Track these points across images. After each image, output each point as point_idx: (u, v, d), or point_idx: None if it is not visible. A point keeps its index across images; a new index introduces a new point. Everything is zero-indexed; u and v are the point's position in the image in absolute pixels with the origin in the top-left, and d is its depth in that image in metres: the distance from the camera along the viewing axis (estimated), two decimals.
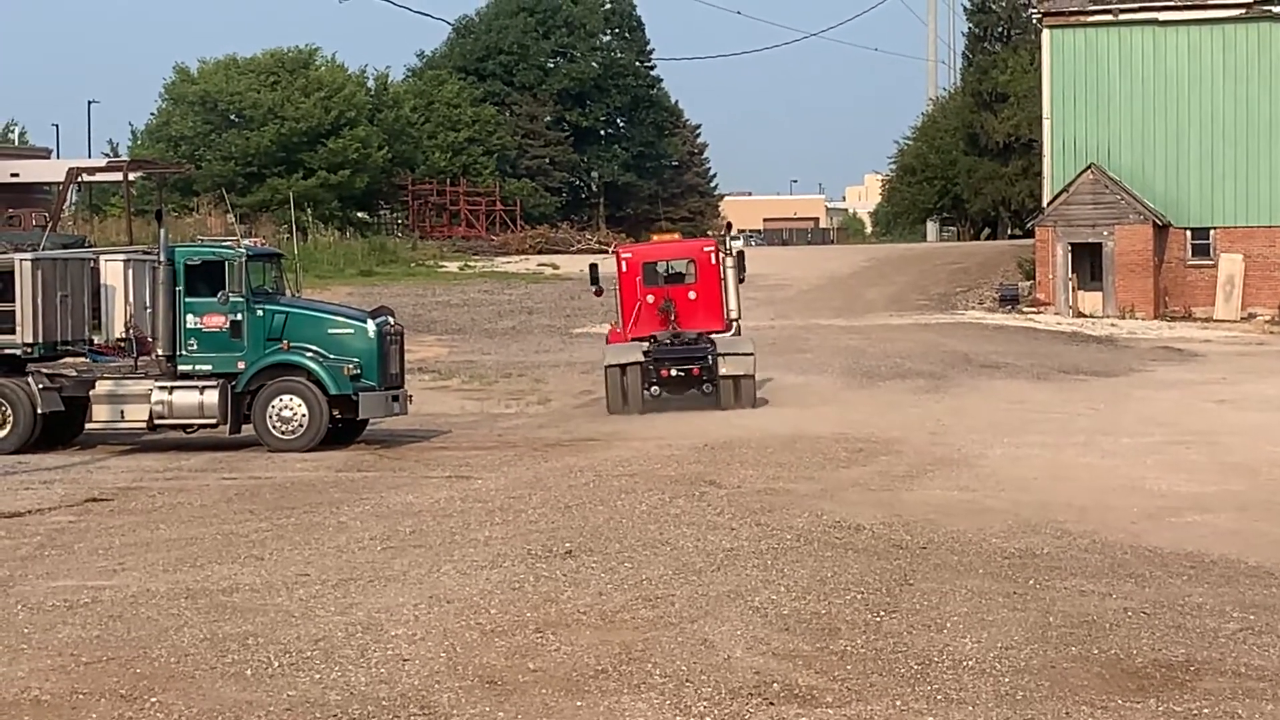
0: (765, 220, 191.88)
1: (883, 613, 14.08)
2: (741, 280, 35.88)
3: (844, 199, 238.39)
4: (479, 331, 51.58)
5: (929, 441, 26.65)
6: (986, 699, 11.51)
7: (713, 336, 34.21)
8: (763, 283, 71.09)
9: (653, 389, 32.69)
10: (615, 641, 13.17)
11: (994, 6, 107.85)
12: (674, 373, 33.08)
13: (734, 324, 35.34)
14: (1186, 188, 60.65)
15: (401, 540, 17.83)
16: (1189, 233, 60.79)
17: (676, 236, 42.13)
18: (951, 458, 24.65)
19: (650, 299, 35.12)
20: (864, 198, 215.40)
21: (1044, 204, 61.78)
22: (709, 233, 41.55)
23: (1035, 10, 63.94)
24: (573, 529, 18.26)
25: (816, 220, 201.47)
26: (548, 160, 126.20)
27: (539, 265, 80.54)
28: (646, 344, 33.40)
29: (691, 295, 35.40)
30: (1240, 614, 13.95)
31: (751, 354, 33.49)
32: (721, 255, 36.11)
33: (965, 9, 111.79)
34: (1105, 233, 58.77)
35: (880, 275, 75.94)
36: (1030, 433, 27.88)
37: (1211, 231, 60.75)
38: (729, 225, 42.58)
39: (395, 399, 28.40)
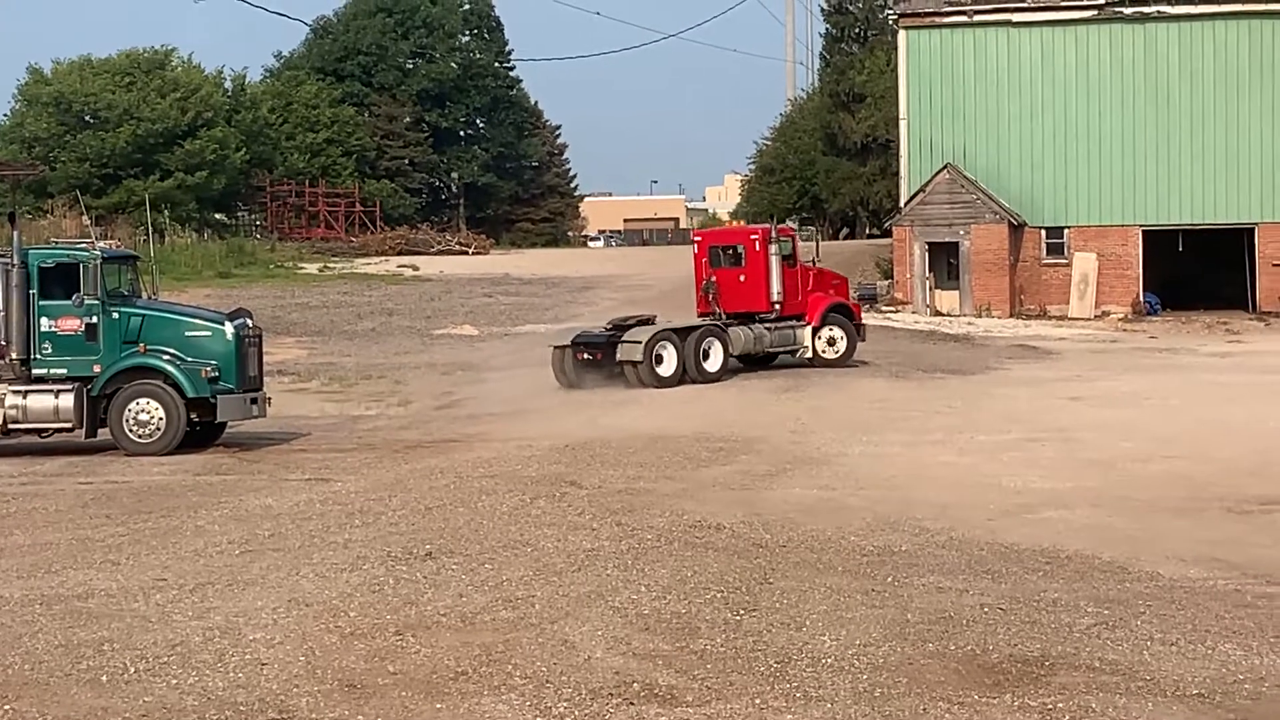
0: (626, 221, 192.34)
1: (742, 611, 14.12)
2: (793, 266, 41.14)
3: (704, 199, 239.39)
4: (339, 333, 51.28)
5: (789, 440, 26.77)
6: (845, 696, 11.58)
7: (633, 324, 38.51)
8: (624, 283, 71.34)
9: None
10: (475, 643, 13.14)
11: (851, 8, 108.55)
12: (585, 356, 37.61)
13: (777, 306, 40.39)
14: (1041, 187, 61.47)
15: (260, 544, 17.69)
16: (1044, 232, 61.63)
17: (741, 224, 44.45)
18: (811, 456, 24.77)
19: (714, 279, 40.71)
20: (724, 198, 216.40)
21: (901, 204, 62.30)
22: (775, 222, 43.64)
23: (891, 11, 64.52)
24: (433, 531, 18.19)
25: (677, 220, 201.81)
26: (407, 161, 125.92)
27: (399, 266, 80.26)
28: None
29: (741, 279, 40.70)
30: (1094, 609, 14.12)
31: (639, 342, 36.88)
32: (769, 243, 40.51)
33: (822, 10, 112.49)
34: (962, 232, 59.37)
35: None
36: (889, 431, 28.10)
37: (1066, 230, 61.62)
38: (773, 219, 47.34)
39: (254, 401, 28.17)
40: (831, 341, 41.27)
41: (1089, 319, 59.33)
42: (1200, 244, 61.88)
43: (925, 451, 25.51)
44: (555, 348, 38.33)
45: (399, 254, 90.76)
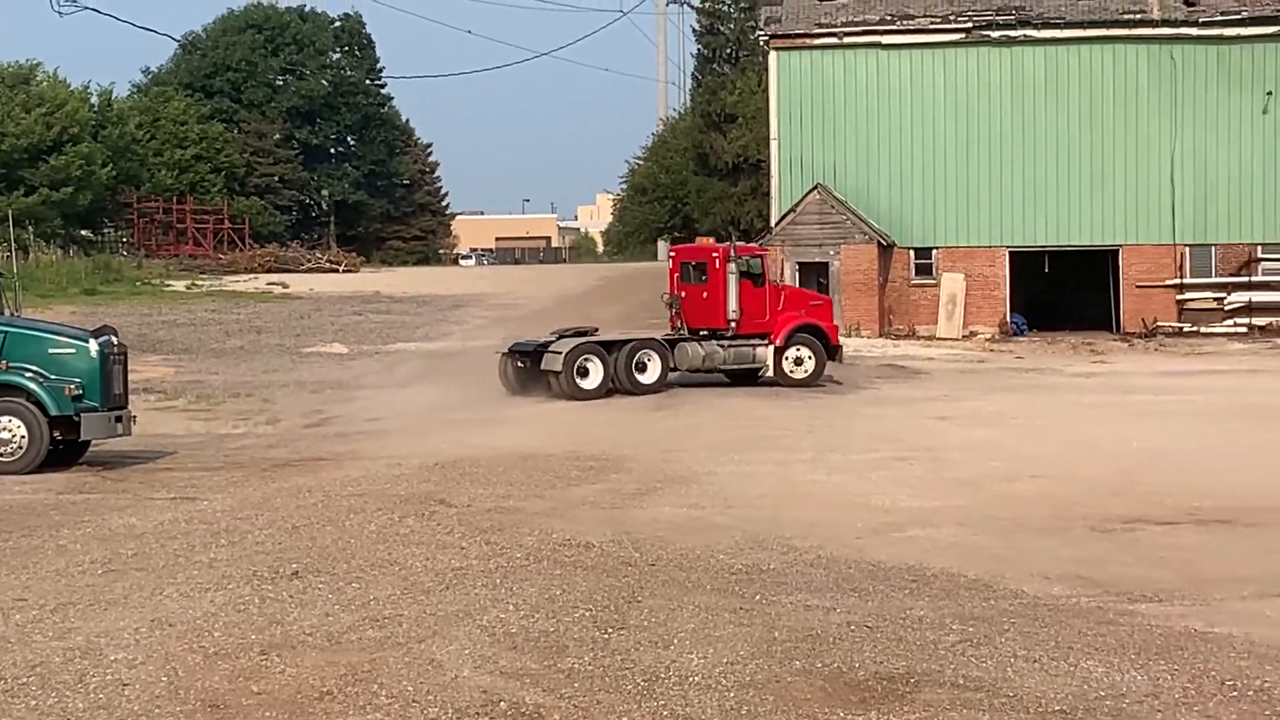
0: (498, 239, 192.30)
1: (610, 629, 14.10)
2: (759, 285, 42.14)
3: (576, 218, 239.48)
4: (206, 351, 50.85)
5: (659, 459, 26.79)
6: (712, 714, 11.58)
7: (569, 335, 40.06)
8: (494, 301, 71.24)
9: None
10: (341, 663, 13.04)
11: (722, 29, 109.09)
12: (518, 364, 39.45)
13: (733, 323, 41.23)
14: (910, 208, 62.00)
15: (123, 563, 17.47)
16: (912, 252, 62.15)
17: (711, 241, 45.55)
18: (681, 475, 24.79)
19: (683, 294, 42.42)
20: (596, 217, 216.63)
21: (772, 224, 62.58)
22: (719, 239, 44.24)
23: (762, 33, 64.75)
24: (300, 550, 18.04)
25: (549, 239, 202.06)
26: (277, 178, 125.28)
27: (268, 284, 79.81)
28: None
29: (704, 295, 41.97)
30: (959, 626, 14.21)
31: (560, 354, 38.39)
32: (726, 261, 41.54)
33: (694, 31, 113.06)
34: (832, 252, 59.71)
35: (612, 294, 76.16)
36: (759, 450, 28.19)
37: (934, 251, 62.19)
38: (730, 236, 46.90)
39: (119, 420, 27.81)
40: (799, 361, 41.82)
41: (957, 339, 59.87)
42: (1066, 265, 62.64)
43: (795, 470, 25.60)
44: (500, 355, 40.19)
45: (268, 271, 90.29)
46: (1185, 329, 61.00)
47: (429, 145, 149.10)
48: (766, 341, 41.59)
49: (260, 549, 18.20)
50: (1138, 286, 61.82)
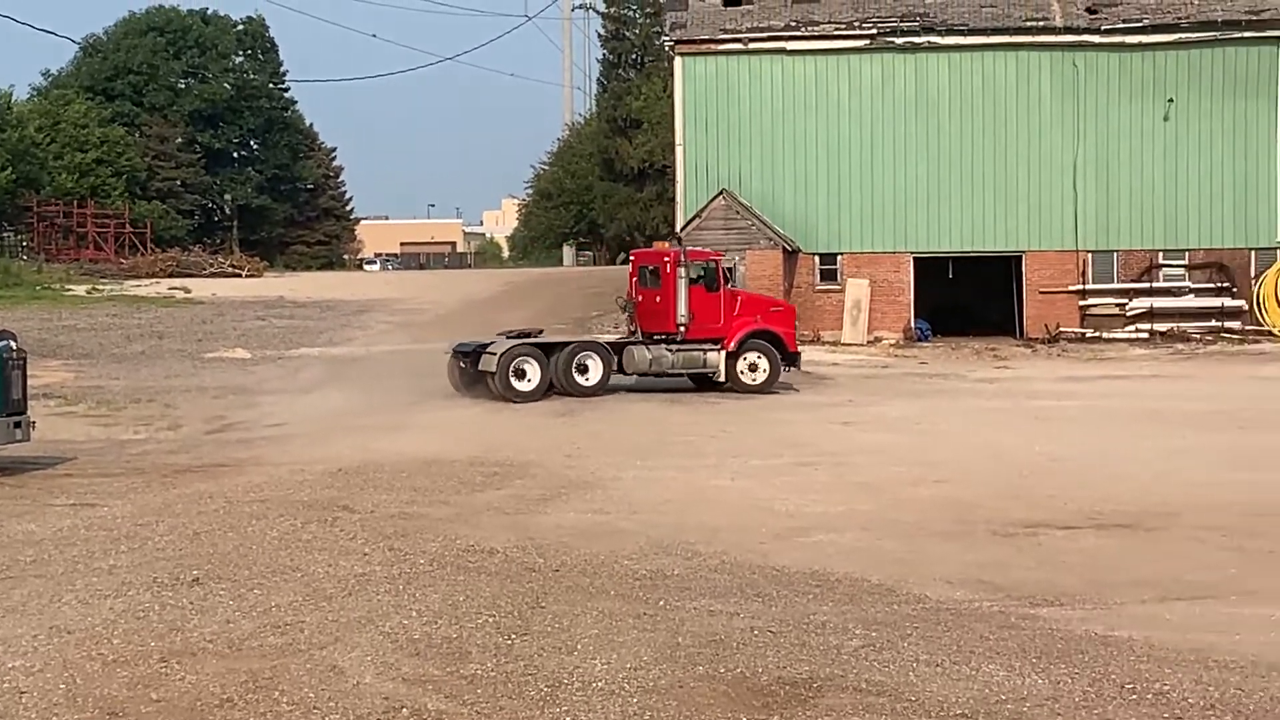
0: (403, 244, 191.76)
1: (514, 635, 14.07)
2: (713, 290, 42.23)
3: (481, 223, 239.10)
4: (107, 356, 50.41)
5: (564, 465, 26.74)
6: None
7: (513, 336, 40.70)
8: (399, 307, 71.02)
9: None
10: (242, 670, 12.95)
11: (628, 34, 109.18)
12: (461, 365, 40.14)
13: (681, 327, 41.40)
14: (815, 214, 62.19)
15: (21, 570, 17.29)
16: (817, 258, 62.34)
17: (666, 245, 45.77)
18: (586, 480, 24.75)
19: (639, 299, 43.08)
20: (501, 222, 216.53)
21: (677, 229, 62.57)
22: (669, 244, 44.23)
23: (667, 38, 64.81)
24: (201, 556, 17.90)
25: (454, 244, 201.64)
26: (179, 182, 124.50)
27: (170, 289, 79.28)
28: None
29: (657, 299, 42.30)
30: (863, 631, 14.25)
31: (496, 354, 38.90)
32: (676, 266, 41.74)
33: (600, 36, 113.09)
34: (737, 257, 59.67)
35: (517, 299, 76.17)
36: (664, 455, 28.19)
37: (839, 257, 62.38)
38: (678, 239, 47.30)
39: (17, 425, 27.48)
40: (753, 367, 41.81)
41: (862, 345, 60.10)
42: (970, 271, 63.00)
43: (699, 475, 25.60)
44: (449, 356, 40.96)
45: (170, 276, 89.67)
46: (1088, 334, 61.48)
47: (333, 149, 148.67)
48: (719, 347, 41.67)
49: (161, 555, 18.05)
50: (1041, 292, 62.26)
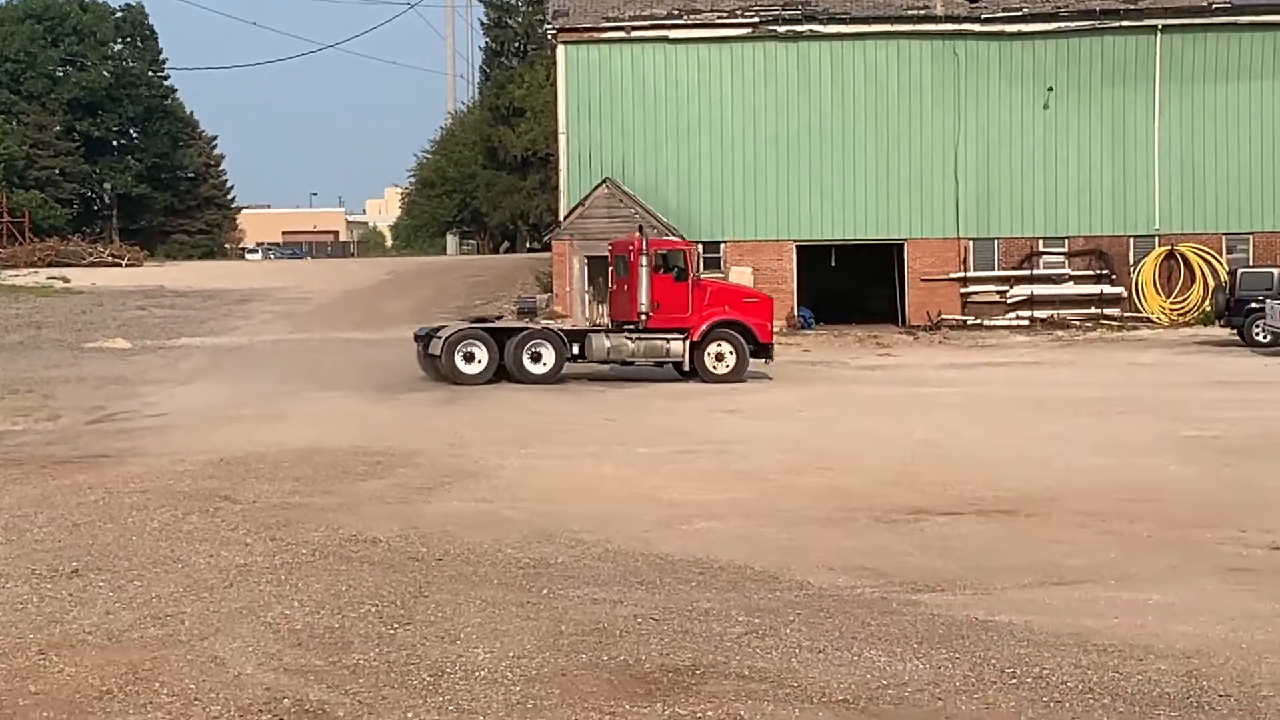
0: (285, 233, 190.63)
1: (397, 625, 14.02)
2: (680, 280, 42.34)
3: (364, 212, 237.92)
4: None
5: (448, 454, 26.65)
6: (498, 708, 11.55)
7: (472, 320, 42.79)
8: (281, 296, 70.62)
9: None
10: (122, 661, 12.84)
11: (510, 22, 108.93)
12: (419, 349, 41.34)
13: (643, 316, 41.63)
14: (698, 202, 62.32)
15: None
16: (700, 246, 62.29)
17: (634, 235, 45.02)
18: (470, 469, 24.69)
19: (614, 287, 43.83)
20: (384, 211, 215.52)
21: (561, 218, 62.59)
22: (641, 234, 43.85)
23: (550, 26, 64.75)
24: (80, 547, 17.72)
25: (337, 233, 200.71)
26: (58, 171, 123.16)
27: (49, 278, 78.42)
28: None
29: (625, 288, 42.57)
30: (745, 617, 14.29)
31: (442, 338, 40.16)
32: (640, 255, 41.91)
33: (483, 25, 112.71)
34: None
35: (400, 288, 75.93)
36: (548, 444, 28.16)
37: (722, 245, 62.52)
38: (640, 228, 46.59)
39: None
40: (720, 357, 41.88)
41: None
42: (853, 259, 63.33)
43: (583, 464, 25.60)
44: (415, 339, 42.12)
45: (49, 266, 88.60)
46: (969, 322, 61.96)
47: (214, 138, 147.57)
48: (684, 336, 41.73)
49: (39, 547, 17.86)
50: (922, 280, 62.69)
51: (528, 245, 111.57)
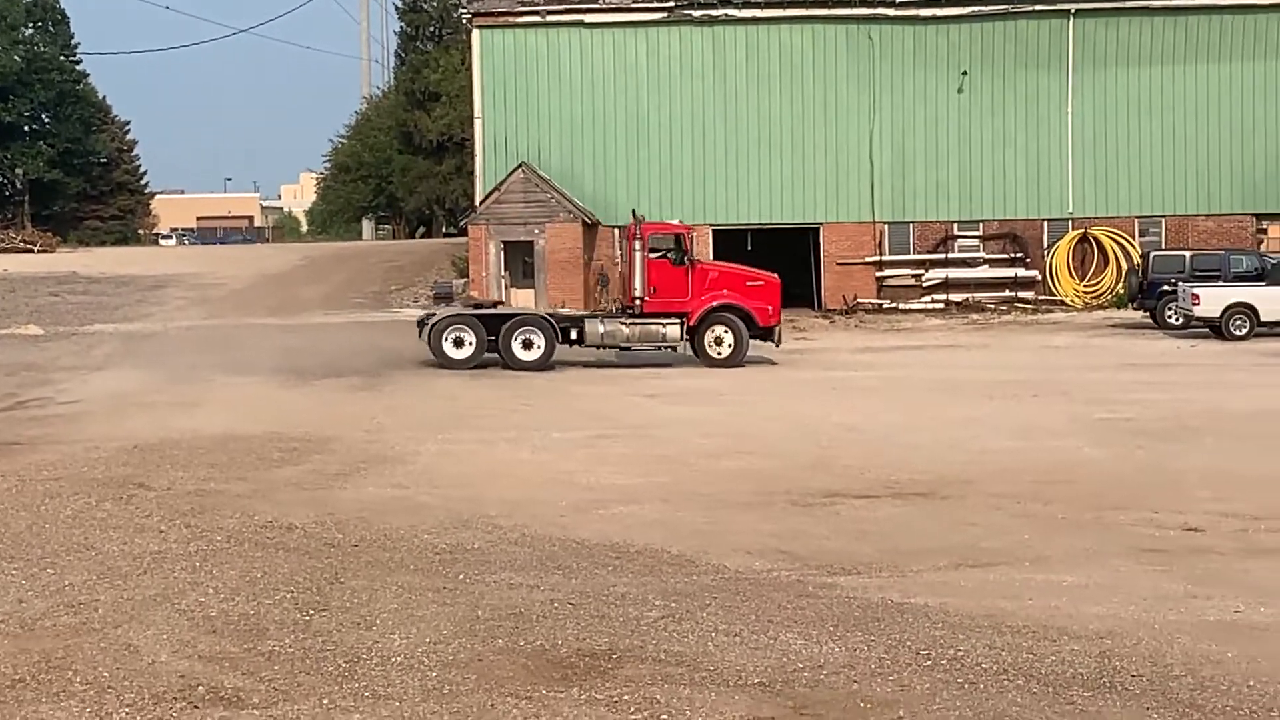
0: (199, 218, 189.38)
1: (312, 611, 13.97)
2: (679, 264, 42.26)
3: (279, 197, 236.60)
4: None
5: (364, 439, 26.56)
6: (414, 694, 11.53)
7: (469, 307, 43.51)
8: (196, 281, 70.24)
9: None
10: (34, 650, 12.74)
11: (425, 6, 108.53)
12: (419, 332, 41.96)
13: (638, 301, 41.86)
14: (614, 186, 62.28)
15: None
16: (617, 231, 62.31)
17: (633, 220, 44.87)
18: (386, 455, 24.62)
19: (622, 271, 45.23)
20: (299, 196, 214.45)
21: (477, 202, 62.44)
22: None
23: (465, 10, 64.57)
24: None
25: (252, 219, 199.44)
26: None
27: None
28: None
29: (621, 272, 44.00)
30: (662, 602, 14.31)
31: (429, 324, 41.31)
32: (633, 240, 42.47)
33: (397, 9, 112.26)
34: (536, 230, 59.70)
35: (316, 274, 75.68)
36: (465, 429, 28.12)
37: None
38: (634, 212, 45.78)
39: None
40: (718, 341, 41.89)
41: None
42: (769, 243, 63.35)
43: (500, 449, 25.56)
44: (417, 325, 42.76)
45: None
46: (884, 305, 62.19)
47: (127, 123, 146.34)
48: (681, 321, 41.71)
49: None
50: (838, 264, 62.88)
51: (444, 230, 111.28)
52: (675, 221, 46.96)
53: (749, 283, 43.21)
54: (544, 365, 40.56)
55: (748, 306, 42.17)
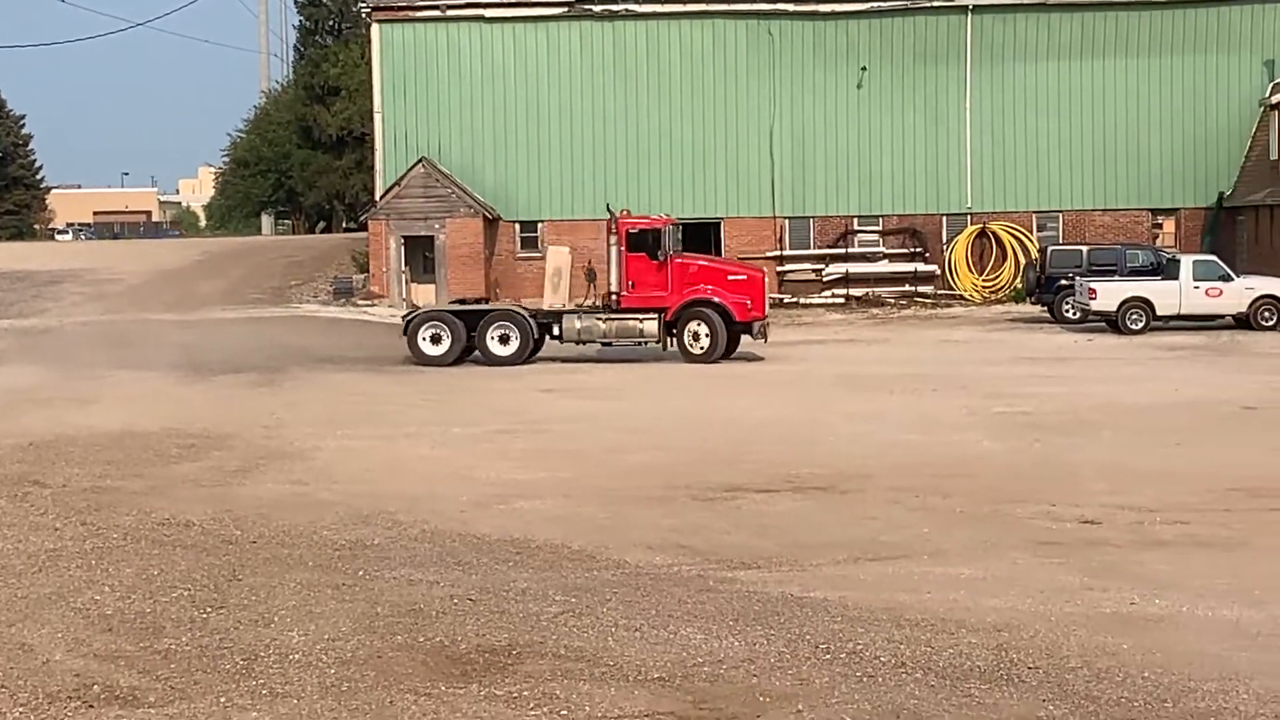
0: (96, 213, 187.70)
1: (209, 609, 13.88)
2: (656, 258, 41.51)
3: (178, 192, 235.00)
4: None
5: (263, 436, 26.43)
6: (312, 691, 11.46)
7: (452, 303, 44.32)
8: (92, 277, 69.64)
9: None
10: None
11: (325, 0, 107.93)
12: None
13: (614, 297, 41.57)
14: (515, 181, 62.25)
15: None
16: (518, 225, 62.40)
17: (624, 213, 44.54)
18: (285, 451, 24.51)
19: (594, 269, 45.07)
20: (198, 191, 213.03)
21: (377, 197, 62.22)
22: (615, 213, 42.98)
23: (364, 5, 64.31)
24: None
25: (149, 213, 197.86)
26: None
27: None
28: None
29: (603, 267, 43.11)
30: (562, 597, 14.29)
31: (407, 320, 41.62)
32: (609, 235, 42.36)
33: (296, 3, 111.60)
34: (437, 225, 59.58)
35: (214, 269, 75.17)
36: (365, 425, 28.00)
37: (539, 224, 62.48)
38: (608, 206, 45.94)
39: None
40: (695, 337, 41.13)
41: None
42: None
43: (400, 445, 25.49)
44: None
45: None
46: (785, 300, 62.31)
47: (22, 117, 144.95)
48: (659, 316, 41.10)
49: None
50: (739, 259, 62.92)
51: (344, 225, 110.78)
52: (662, 215, 45.77)
53: (730, 277, 42.34)
54: (520, 360, 40.40)
55: (725, 301, 41.40)
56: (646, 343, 41.53)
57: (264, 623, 13.42)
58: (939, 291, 62.67)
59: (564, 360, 41.43)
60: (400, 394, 33.72)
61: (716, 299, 41.33)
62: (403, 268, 59.79)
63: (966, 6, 62.80)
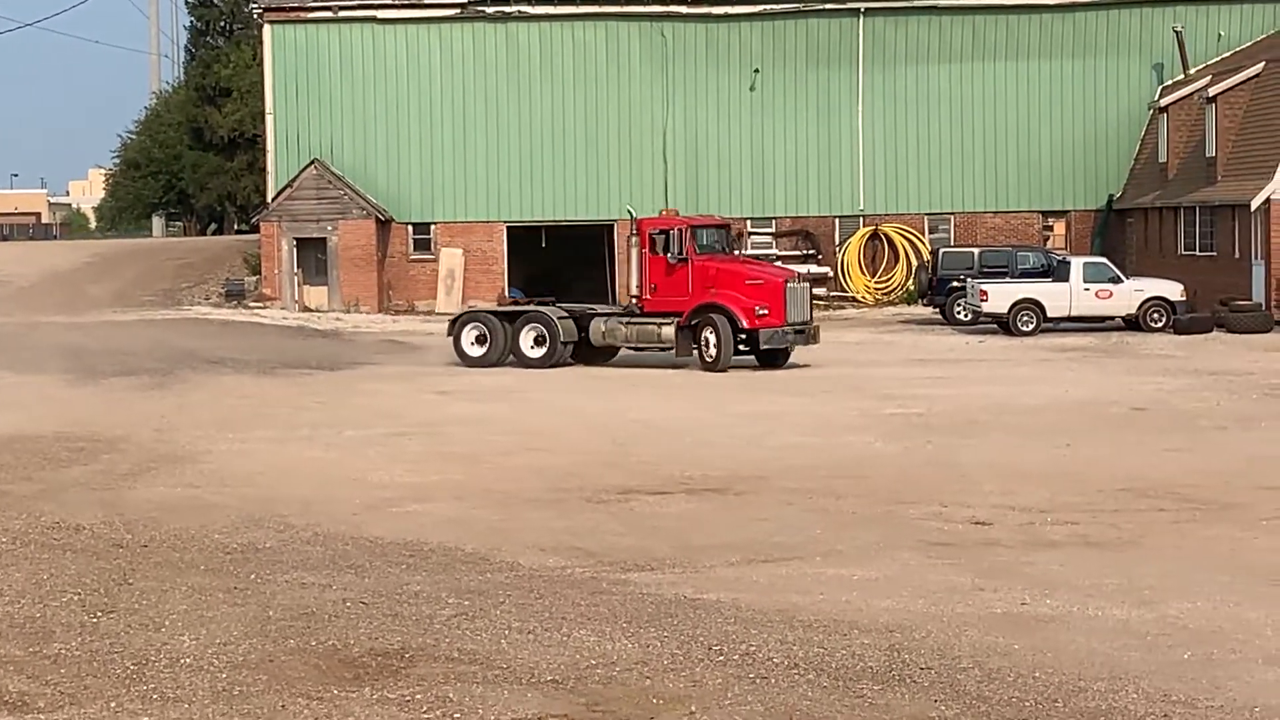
0: None
1: (100, 613, 13.77)
2: (677, 261, 39.68)
3: (68, 194, 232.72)
4: None
5: (154, 439, 26.24)
6: (203, 696, 11.39)
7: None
8: None
9: None
10: None
11: (216, 1, 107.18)
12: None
13: (633, 299, 40.70)
14: (408, 183, 62.13)
15: None
16: (411, 228, 62.26)
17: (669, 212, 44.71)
18: (176, 454, 24.34)
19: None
20: (88, 192, 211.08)
21: (269, 199, 61.92)
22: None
23: (256, 5, 63.97)
24: None
25: (39, 215, 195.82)
26: None
27: None
28: None
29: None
30: (456, 600, 14.27)
31: (450, 321, 41.81)
32: (629, 237, 41.75)
33: (187, 4, 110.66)
34: (329, 228, 59.42)
35: (105, 271, 74.59)
36: (256, 427, 27.86)
37: (432, 226, 62.40)
38: (629, 210, 46.16)
39: None
40: (706, 343, 38.87)
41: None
42: (564, 240, 63.42)
43: (292, 448, 25.39)
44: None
45: None
46: None
47: None
48: (676, 320, 39.17)
49: None
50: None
51: (236, 227, 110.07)
52: (673, 212, 44.24)
53: (748, 280, 39.67)
54: (548, 362, 39.49)
55: (733, 307, 38.80)
56: (666, 348, 39.69)
57: (155, 627, 13.33)
58: (832, 294, 62.86)
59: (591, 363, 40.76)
60: (290, 397, 33.56)
61: (723, 304, 39.02)
62: (295, 270, 59.52)
63: (858, 9, 63.10)
